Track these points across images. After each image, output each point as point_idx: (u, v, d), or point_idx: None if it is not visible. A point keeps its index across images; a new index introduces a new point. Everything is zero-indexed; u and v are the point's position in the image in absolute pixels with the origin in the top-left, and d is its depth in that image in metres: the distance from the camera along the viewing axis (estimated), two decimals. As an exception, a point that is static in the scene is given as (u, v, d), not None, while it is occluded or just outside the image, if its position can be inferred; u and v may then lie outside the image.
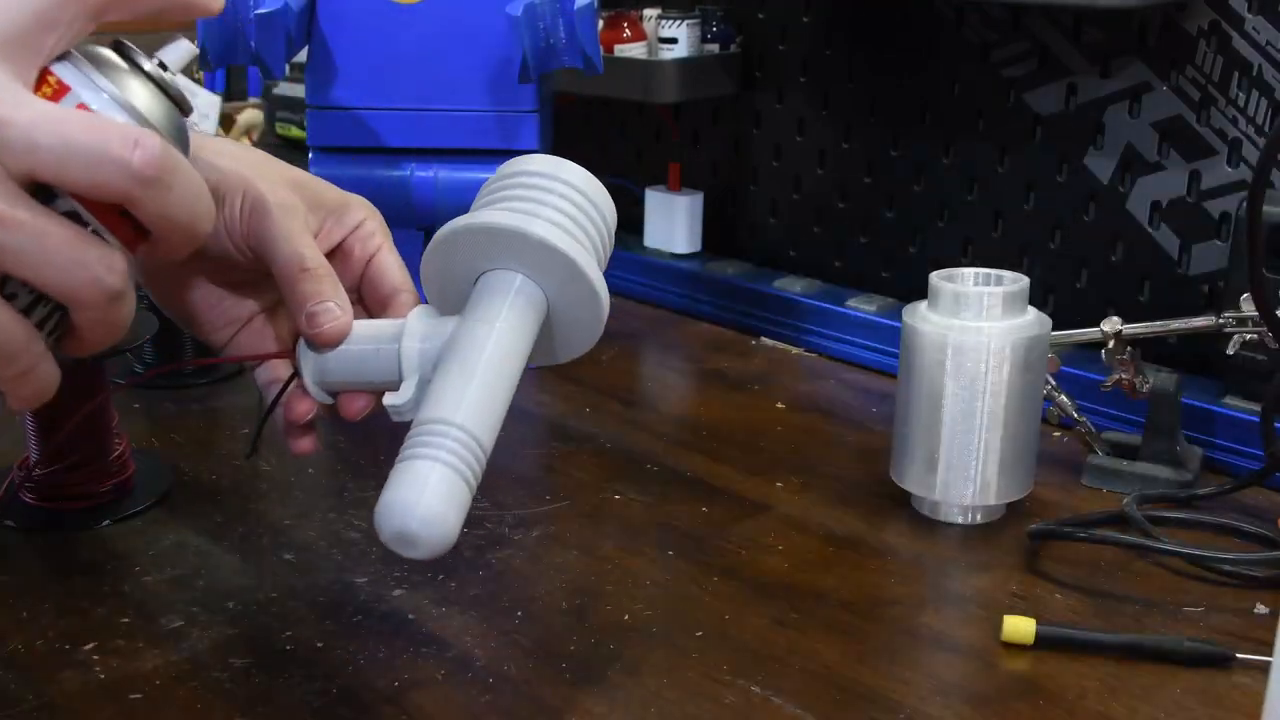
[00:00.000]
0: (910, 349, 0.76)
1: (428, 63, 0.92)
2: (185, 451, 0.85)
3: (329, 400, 0.60)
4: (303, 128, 1.00)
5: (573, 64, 0.89)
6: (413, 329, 0.58)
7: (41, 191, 0.44)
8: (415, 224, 0.94)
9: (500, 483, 0.81)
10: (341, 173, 0.90)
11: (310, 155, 0.93)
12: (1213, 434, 0.86)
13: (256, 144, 1.61)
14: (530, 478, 0.84)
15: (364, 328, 0.59)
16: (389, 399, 0.56)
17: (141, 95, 0.47)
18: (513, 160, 0.60)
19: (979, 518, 0.77)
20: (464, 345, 0.55)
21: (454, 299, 0.59)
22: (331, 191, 0.64)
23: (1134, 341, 0.82)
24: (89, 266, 0.45)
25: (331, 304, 0.57)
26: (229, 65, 0.91)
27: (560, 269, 0.56)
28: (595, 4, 0.88)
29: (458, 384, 0.53)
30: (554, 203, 0.57)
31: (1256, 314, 0.77)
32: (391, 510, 0.50)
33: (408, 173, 0.92)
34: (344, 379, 0.59)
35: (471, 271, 0.58)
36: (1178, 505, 0.79)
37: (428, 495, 0.50)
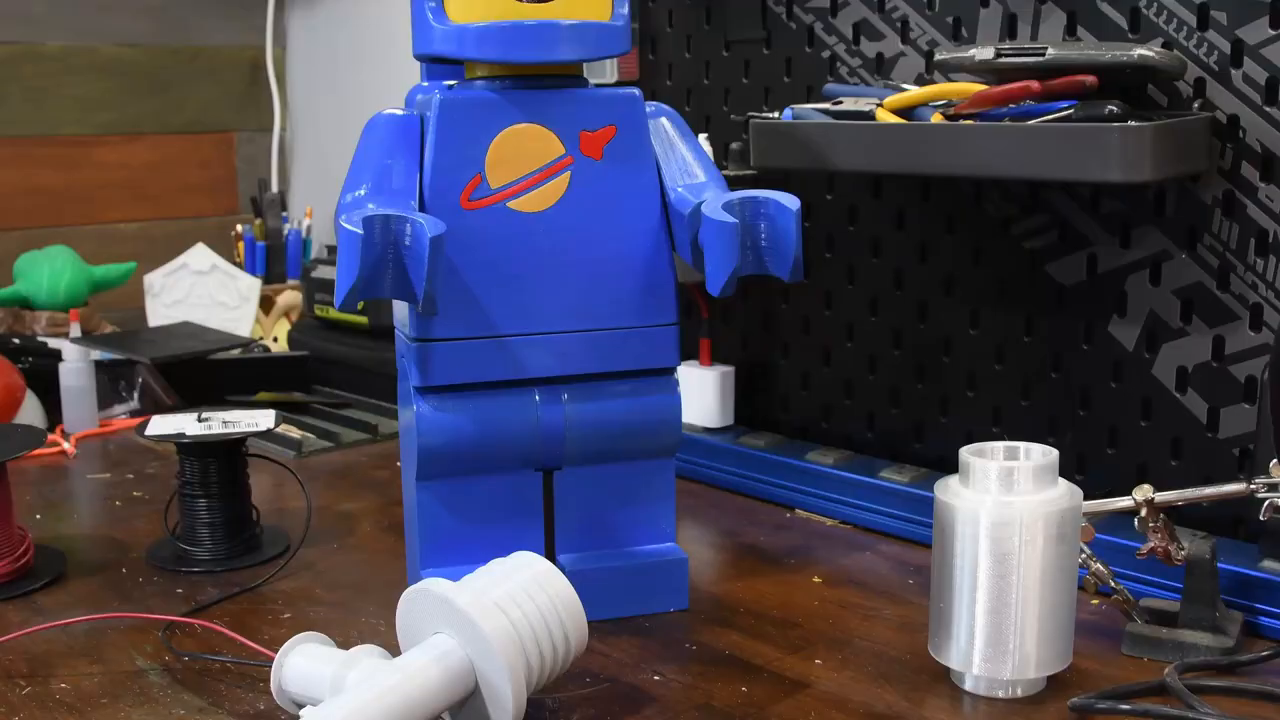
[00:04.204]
0: (943, 525, 0.77)
1: (558, 278, 0.83)
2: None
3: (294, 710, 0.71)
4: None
5: (777, 273, 0.82)
6: (358, 661, 0.69)
7: None
8: (536, 464, 0.86)
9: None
10: (456, 415, 0.83)
11: (416, 397, 0.83)
12: (1252, 598, 0.85)
13: (294, 324, 1.65)
14: (569, 659, 0.84)
15: (323, 651, 0.71)
16: (304, 712, 0.65)
17: None
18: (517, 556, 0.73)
19: (1019, 691, 0.77)
20: (368, 682, 0.66)
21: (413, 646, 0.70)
22: None
23: (1167, 508, 0.82)
24: None
25: None
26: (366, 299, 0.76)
27: (481, 644, 0.67)
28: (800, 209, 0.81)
29: (340, 703, 0.64)
30: (510, 590, 0.69)
31: (1287, 480, 0.77)
32: None
33: (534, 410, 0.84)
34: (296, 688, 0.71)
35: (427, 628, 0.70)
36: (1220, 672, 0.79)
37: None
